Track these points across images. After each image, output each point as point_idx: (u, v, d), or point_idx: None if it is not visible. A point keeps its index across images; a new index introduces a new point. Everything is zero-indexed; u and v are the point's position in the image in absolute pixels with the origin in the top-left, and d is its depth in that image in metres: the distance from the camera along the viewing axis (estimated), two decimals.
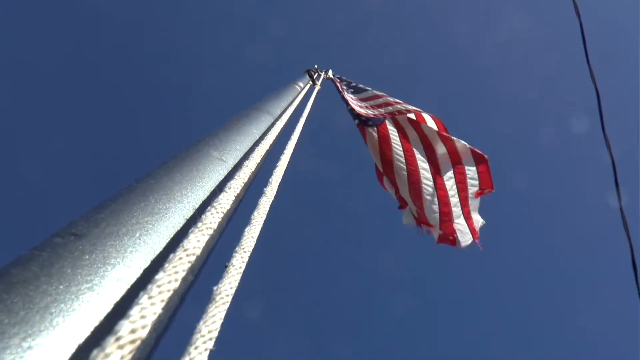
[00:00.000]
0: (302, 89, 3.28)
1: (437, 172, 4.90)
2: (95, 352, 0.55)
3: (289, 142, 1.88)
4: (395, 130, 5.08)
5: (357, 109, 4.80)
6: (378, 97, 5.06)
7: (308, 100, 3.05)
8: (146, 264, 0.84)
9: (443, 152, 4.87)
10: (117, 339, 0.55)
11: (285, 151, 1.73)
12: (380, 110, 4.83)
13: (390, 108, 4.81)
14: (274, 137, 1.83)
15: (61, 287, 0.67)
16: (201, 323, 0.71)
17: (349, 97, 4.97)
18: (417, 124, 4.98)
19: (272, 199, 1.26)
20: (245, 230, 1.02)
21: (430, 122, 4.98)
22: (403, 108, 4.77)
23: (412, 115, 4.94)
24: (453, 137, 4.83)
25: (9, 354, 0.57)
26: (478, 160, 4.76)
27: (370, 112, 4.85)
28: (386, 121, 5.05)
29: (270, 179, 1.36)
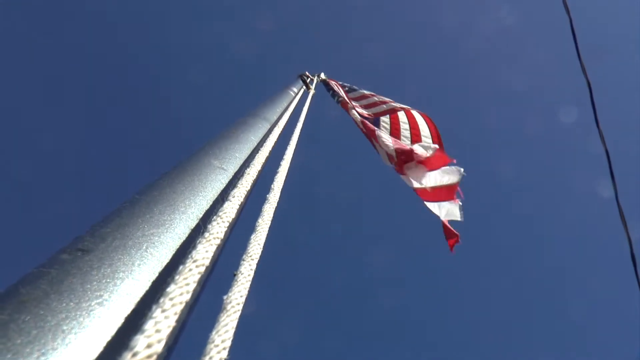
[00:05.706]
0: (297, 94, 3.28)
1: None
2: None
3: (288, 147, 1.88)
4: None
5: (356, 113, 5.07)
6: (368, 96, 5.41)
7: (304, 105, 3.05)
8: (154, 276, 0.83)
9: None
10: (134, 355, 0.54)
11: (284, 157, 1.73)
12: (374, 109, 5.21)
13: (384, 107, 5.21)
14: (272, 143, 1.83)
15: (72, 304, 0.66)
16: (214, 333, 0.70)
17: (349, 99, 5.26)
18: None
19: (276, 205, 1.26)
20: (251, 237, 1.01)
21: (419, 119, 5.26)
22: (392, 106, 5.15)
23: (402, 113, 5.31)
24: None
25: None
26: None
27: (365, 112, 5.16)
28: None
29: (272, 185, 1.35)
